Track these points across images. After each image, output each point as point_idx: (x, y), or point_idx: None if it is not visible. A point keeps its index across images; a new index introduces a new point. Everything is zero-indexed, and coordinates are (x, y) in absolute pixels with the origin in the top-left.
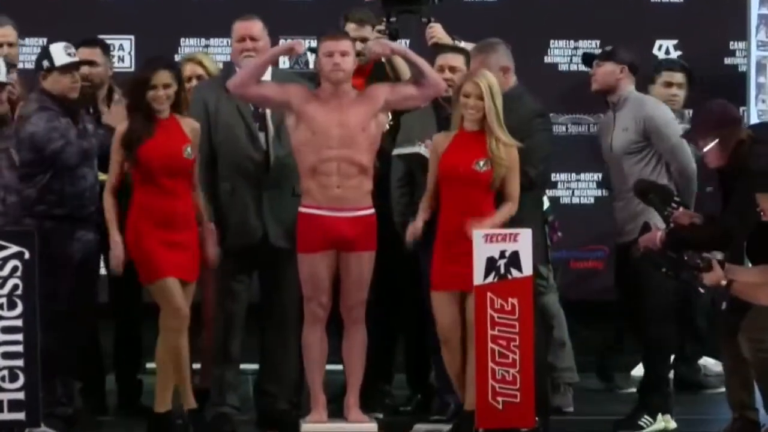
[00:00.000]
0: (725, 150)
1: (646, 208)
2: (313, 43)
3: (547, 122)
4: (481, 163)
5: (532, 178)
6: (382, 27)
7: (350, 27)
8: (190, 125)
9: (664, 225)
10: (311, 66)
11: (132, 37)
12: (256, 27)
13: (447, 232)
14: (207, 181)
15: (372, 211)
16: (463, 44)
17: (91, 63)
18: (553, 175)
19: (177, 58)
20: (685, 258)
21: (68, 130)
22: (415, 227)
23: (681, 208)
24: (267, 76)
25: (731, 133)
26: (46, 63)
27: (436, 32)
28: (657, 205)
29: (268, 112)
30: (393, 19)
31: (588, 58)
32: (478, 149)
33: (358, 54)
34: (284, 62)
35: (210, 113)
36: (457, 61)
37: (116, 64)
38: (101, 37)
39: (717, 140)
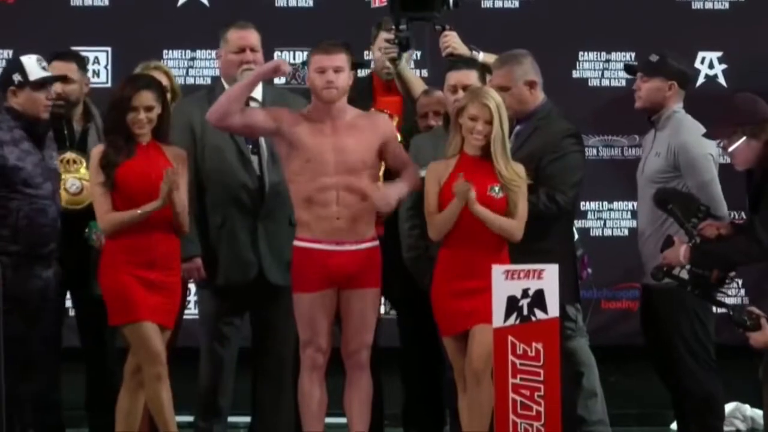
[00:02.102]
0: (754, 149)
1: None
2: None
3: (579, 143)
4: (497, 188)
5: (561, 205)
6: (390, 36)
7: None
8: (174, 152)
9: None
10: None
11: (108, 49)
12: (254, 36)
13: (453, 267)
14: (194, 213)
15: (376, 243)
16: (481, 56)
17: (65, 79)
18: (582, 203)
19: (138, 69)
20: (731, 313)
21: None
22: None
23: (708, 219)
24: (257, 93)
25: (762, 130)
26: (18, 77)
27: (451, 41)
28: (679, 217)
29: None
30: (403, 27)
31: (632, 68)
32: (487, 175)
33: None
34: (279, 77)
35: (196, 135)
36: (471, 78)
37: (91, 80)
38: (75, 49)
39: (744, 138)
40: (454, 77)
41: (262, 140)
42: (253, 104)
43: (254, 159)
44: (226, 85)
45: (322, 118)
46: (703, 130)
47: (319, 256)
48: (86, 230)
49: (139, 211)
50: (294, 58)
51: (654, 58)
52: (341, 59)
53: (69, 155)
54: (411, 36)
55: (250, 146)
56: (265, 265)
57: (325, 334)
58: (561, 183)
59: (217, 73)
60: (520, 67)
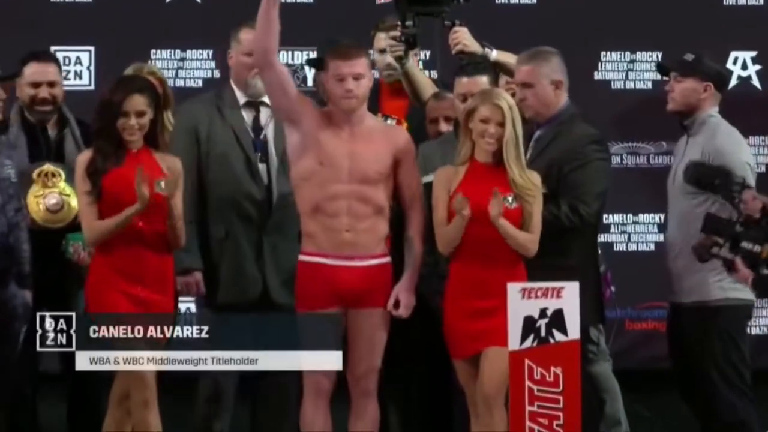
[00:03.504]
0: None
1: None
2: (311, 54)
3: (604, 150)
4: (510, 198)
5: (584, 217)
6: (396, 33)
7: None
8: (168, 162)
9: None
10: (309, 82)
11: (91, 48)
12: None
13: (464, 284)
14: (196, 223)
15: (387, 259)
16: (495, 54)
17: (51, 84)
18: (605, 216)
19: (128, 71)
20: None
21: None
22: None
23: (746, 192)
24: None
25: None
26: None
27: (462, 38)
28: (729, 189)
29: (270, 139)
30: (409, 24)
31: (665, 68)
32: (500, 183)
33: (390, 67)
34: None
35: (201, 140)
36: (481, 84)
37: (72, 81)
38: (55, 49)
39: None
40: (463, 85)
41: (271, 147)
42: (263, 108)
43: (262, 167)
44: (235, 89)
45: (340, 123)
46: (740, 136)
47: (325, 272)
48: (63, 242)
49: (119, 217)
50: (293, 59)
51: (689, 57)
52: (362, 65)
53: (47, 167)
54: (418, 33)
55: (259, 154)
56: (269, 283)
57: None
58: (584, 193)
59: (210, 75)
60: (548, 65)
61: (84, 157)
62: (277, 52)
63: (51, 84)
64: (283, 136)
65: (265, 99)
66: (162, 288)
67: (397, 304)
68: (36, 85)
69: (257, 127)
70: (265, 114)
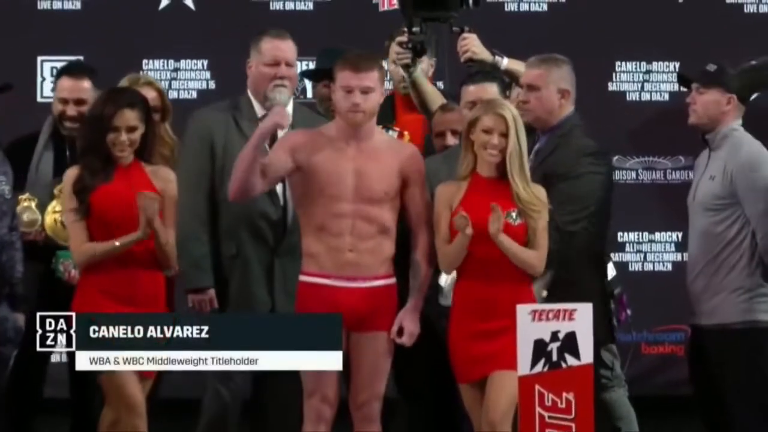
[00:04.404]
0: None
1: (730, 280)
2: (311, 65)
3: (600, 163)
4: (514, 214)
5: (561, 230)
6: (403, 39)
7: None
8: (160, 176)
9: None
10: (309, 94)
11: (80, 58)
12: (291, 48)
13: (469, 304)
14: (208, 240)
15: (392, 280)
16: (506, 62)
17: (79, 101)
18: (619, 234)
19: (123, 83)
20: None
21: None
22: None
23: None
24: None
25: None
26: None
27: (471, 45)
28: None
29: None
30: (416, 30)
31: (687, 79)
32: (503, 198)
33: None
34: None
35: (216, 154)
36: (490, 92)
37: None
38: (42, 58)
39: None
40: (471, 93)
41: None
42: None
43: (279, 187)
44: (253, 101)
45: (346, 138)
46: (765, 150)
47: (326, 293)
48: (53, 260)
49: (117, 243)
50: None
51: (711, 67)
52: (372, 78)
53: None
54: (427, 40)
55: None
56: (278, 305)
57: (332, 383)
58: (568, 204)
59: (205, 86)
60: (558, 71)
61: (72, 172)
62: (258, 186)
63: (78, 102)
64: None
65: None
66: (153, 308)
67: (400, 331)
68: (65, 101)
69: (274, 141)
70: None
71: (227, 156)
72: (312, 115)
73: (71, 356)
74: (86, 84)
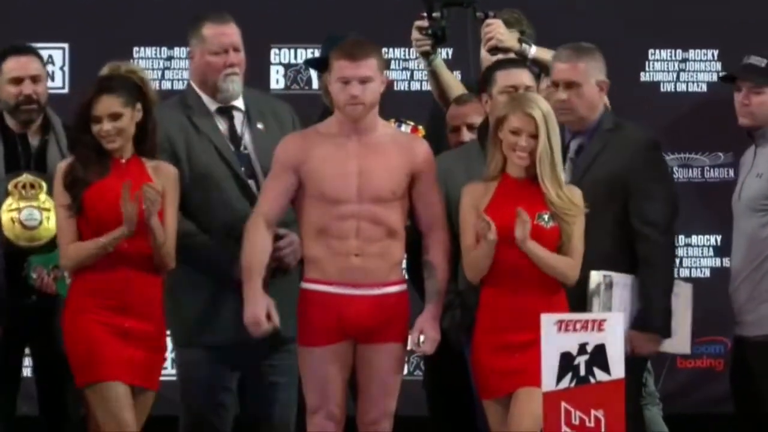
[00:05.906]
0: None
1: None
2: (315, 53)
3: (663, 158)
4: (546, 216)
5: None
6: (424, 24)
7: None
8: (162, 169)
9: None
10: (314, 84)
11: (65, 45)
12: (236, 31)
13: (495, 314)
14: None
15: (403, 287)
16: (533, 50)
17: (34, 78)
18: None
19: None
20: None
21: None
22: None
23: None
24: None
25: None
26: None
27: (496, 31)
28: None
29: (251, 150)
30: (436, 15)
31: (733, 78)
32: (535, 200)
33: None
34: (277, 81)
35: (179, 156)
36: (527, 77)
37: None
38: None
39: None
40: (505, 77)
41: (254, 160)
42: (236, 113)
43: (252, 184)
44: (200, 93)
45: (347, 134)
46: None
47: (331, 302)
48: (25, 266)
49: (102, 241)
50: (295, 58)
51: (761, 61)
52: (369, 66)
53: (25, 178)
54: (448, 26)
55: (244, 168)
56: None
57: (337, 399)
58: (651, 213)
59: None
60: (596, 63)
61: (63, 166)
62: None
63: (34, 79)
64: (261, 144)
65: (237, 102)
66: (150, 316)
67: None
68: (18, 80)
69: (235, 137)
70: (239, 120)
71: (192, 158)
72: (264, 96)
73: (39, 373)
74: (36, 62)
